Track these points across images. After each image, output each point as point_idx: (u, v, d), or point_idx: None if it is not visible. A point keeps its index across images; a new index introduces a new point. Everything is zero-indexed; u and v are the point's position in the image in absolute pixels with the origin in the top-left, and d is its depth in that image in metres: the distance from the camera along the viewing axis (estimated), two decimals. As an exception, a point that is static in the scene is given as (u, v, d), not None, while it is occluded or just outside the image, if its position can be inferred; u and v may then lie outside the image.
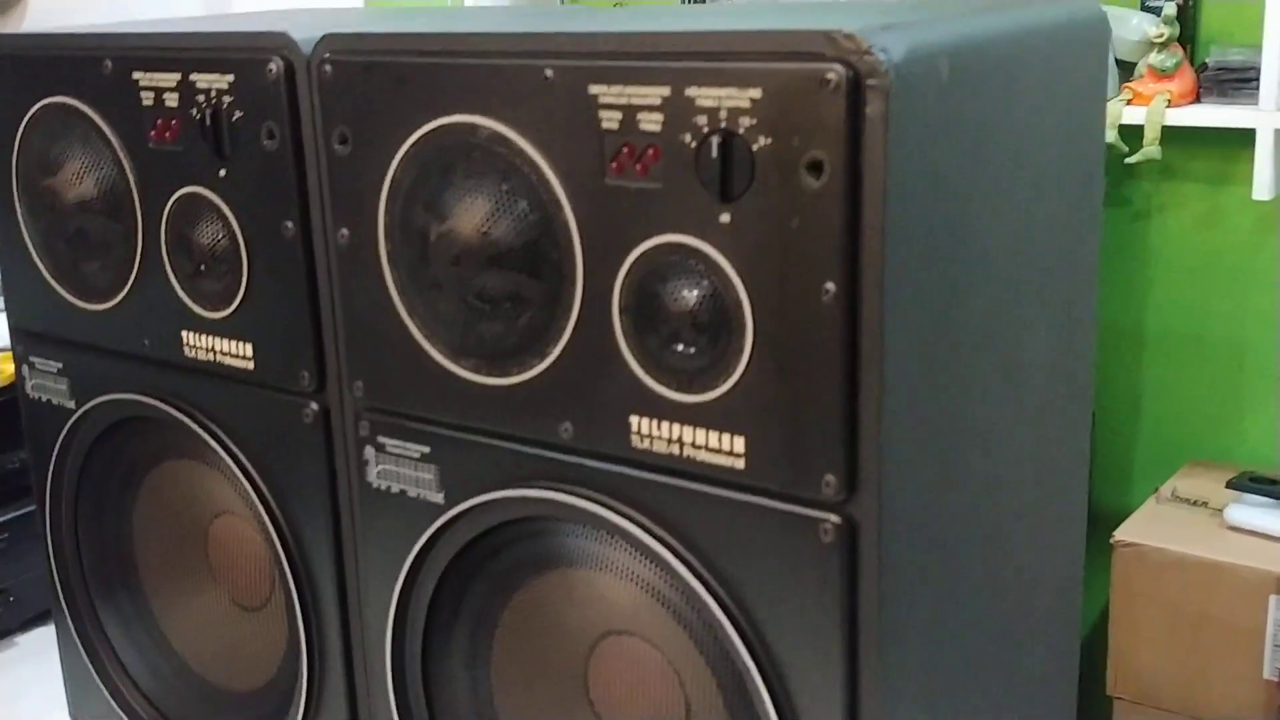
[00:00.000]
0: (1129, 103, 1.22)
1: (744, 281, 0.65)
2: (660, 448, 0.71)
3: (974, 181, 0.69)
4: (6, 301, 1.09)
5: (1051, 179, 0.78)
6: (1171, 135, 1.22)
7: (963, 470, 0.73)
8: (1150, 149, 1.20)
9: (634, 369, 0.71)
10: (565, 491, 0.75)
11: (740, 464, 0.69)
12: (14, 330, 1.09)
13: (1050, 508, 0.85)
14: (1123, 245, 1.30)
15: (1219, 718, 1.12)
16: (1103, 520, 1.32)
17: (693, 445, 0.70)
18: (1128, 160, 1.23)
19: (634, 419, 0.72)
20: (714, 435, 0.69)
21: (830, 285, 0.63)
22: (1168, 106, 1.19)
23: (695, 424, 0.70)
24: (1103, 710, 1.20)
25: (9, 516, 1.39)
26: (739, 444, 0.68)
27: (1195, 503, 1.19)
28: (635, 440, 0.72)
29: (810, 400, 0.65)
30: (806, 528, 0.67)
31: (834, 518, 0.66)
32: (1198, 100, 1.22)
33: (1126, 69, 1.26)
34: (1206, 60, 1.22)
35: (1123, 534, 1.15)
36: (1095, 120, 0.83)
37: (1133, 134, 1.22)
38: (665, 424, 0.71)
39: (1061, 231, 0.81)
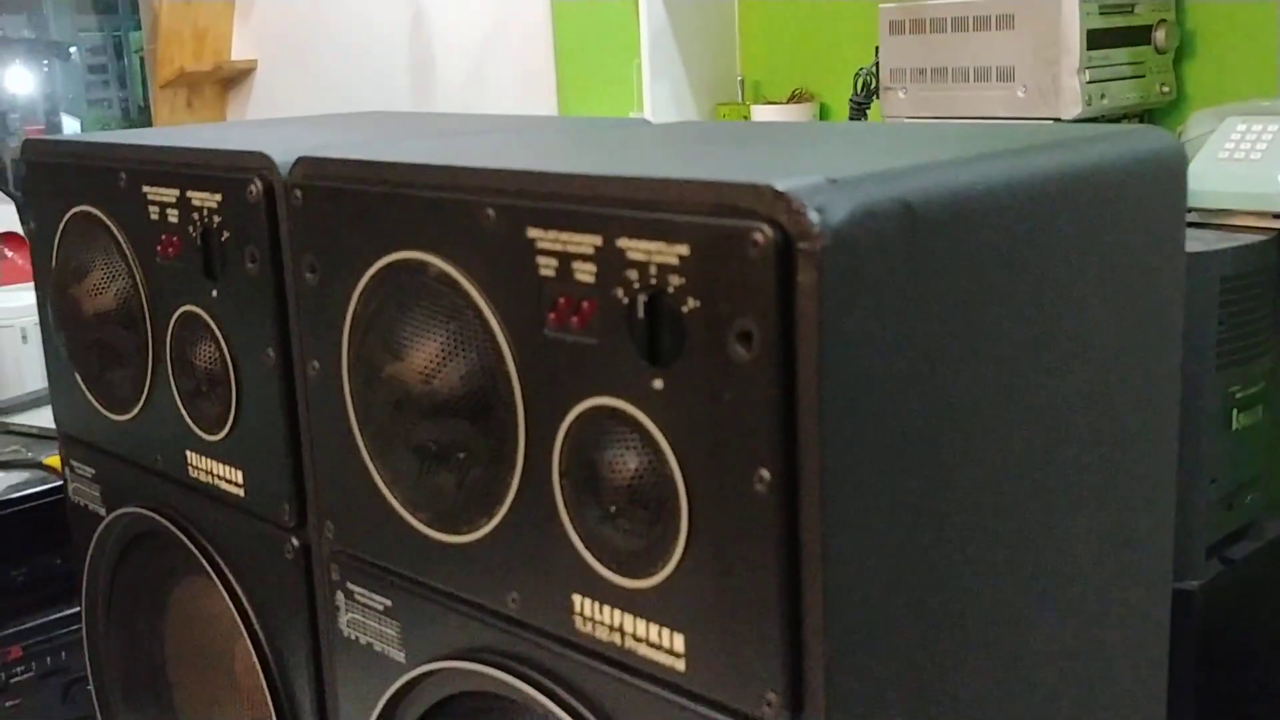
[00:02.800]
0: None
1: (677, 458, 0.57)
2: (602, 634, 0.63)
3: (967, 353, 0.58)
4: (53, 403, 1.09)
5: (1100, 346, 0.67)
6: None
7: (961, 690, 0.61)
8: None
9: (574, 541, 0.63)
10: (512, 673, 0.68)
11: (680, 665, 0.60)
12: (59, 432, 1.09)
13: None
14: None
15: None
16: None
17: (634, 637, 0.61)
18: None
19: (576, 598, 0.64)
20: (654, 628, 0.60)
21: (764, 472, 0.54)
22: None
23: (635, 613, 0.61)
24: None
25: (87, 605, 1.39)
26: (679, 642, 0.59)
27: None
28: (578, 622, 0.64)
29: (748, 602, 0.56)
30: (746, 748, 0.57)
31: (776, 741, 0.56)
32: None
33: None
34: None
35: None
36: (1168, 271, 0.71)
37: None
38: (606, 608, 0.62)
39: (1117, 401, 0.69)
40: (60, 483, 1.21)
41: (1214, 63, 1.53)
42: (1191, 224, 1.31)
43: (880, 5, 1.53)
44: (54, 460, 1.44)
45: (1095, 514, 0.69)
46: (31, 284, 1.08)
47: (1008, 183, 0.59)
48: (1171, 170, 0.70)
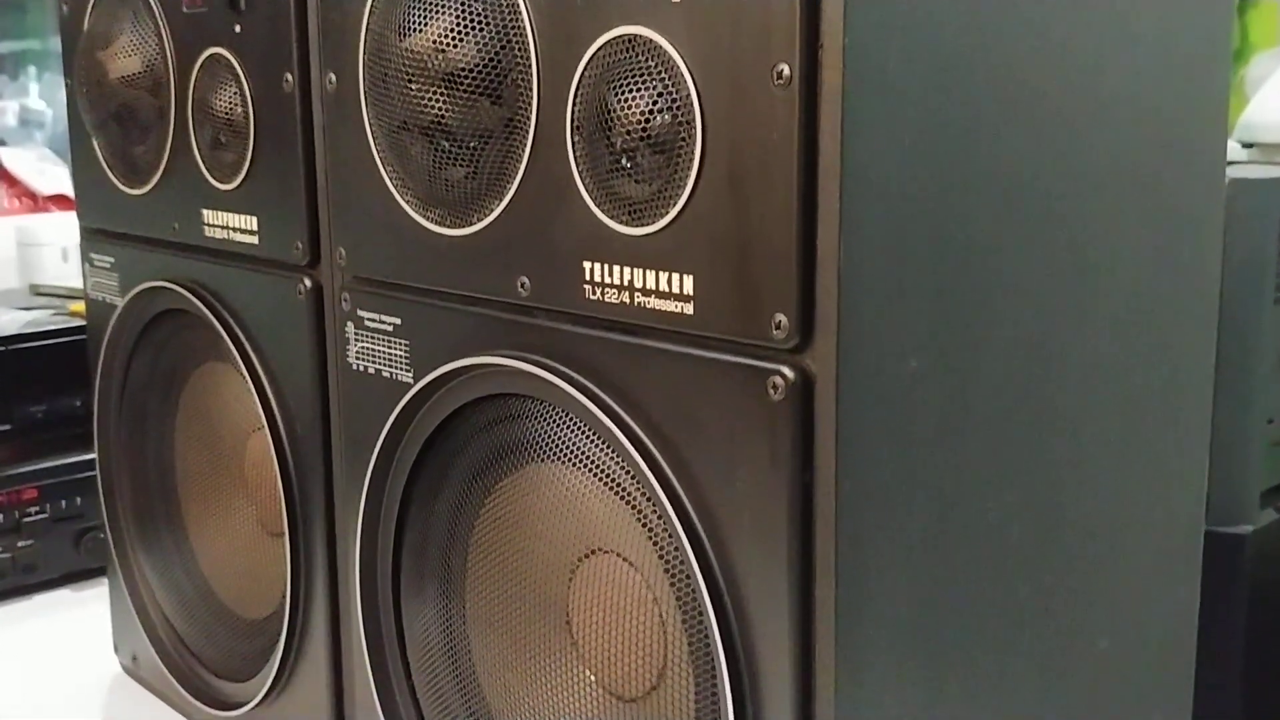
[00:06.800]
0: None
1: (693, 74, 0.54)
2: (612, 297, 0.61)
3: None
4: (77, 198, 1.08)
5: (1134, 111, 0.64)
6: None
7: (984, 334, 0.58)
8: None
9: (585, 199, 0.60)
10: (518, 358, 0.65)
11: (689, 308, 0.57)
12: (81, 229, 1.08)
13: (1138, 450, 0.69)
14: None
15: None
16: None
17: (642, 291, 0.59)
18: None
19: (587, 265, 0.61)
20: (663, 277, 0.58)
21: (784, 67, 0.51)
22: None
23: (644, 265, 0.59)
24: None
25: (99, 454, 1.38)
26: (688, 284, 0.57)
27: None
28: (588, 291, 0.62)
29: (762, 218, 0.53)
30: (754, 382, 0.55)
31: (785, 370, 0.53)
32: None
33: None
34: None
35: None
36: (1212, 91, 0.68)
37: None
38: (616, 268, 0.60)
39: (1150, 177, 0.66)
40: (82, 324, 1.21)
41: (1276, 13, 1.50)
42: (1254, 161, 1.27)
43: None
44: (78, 307, 1.44)
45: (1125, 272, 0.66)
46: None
47: None
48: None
